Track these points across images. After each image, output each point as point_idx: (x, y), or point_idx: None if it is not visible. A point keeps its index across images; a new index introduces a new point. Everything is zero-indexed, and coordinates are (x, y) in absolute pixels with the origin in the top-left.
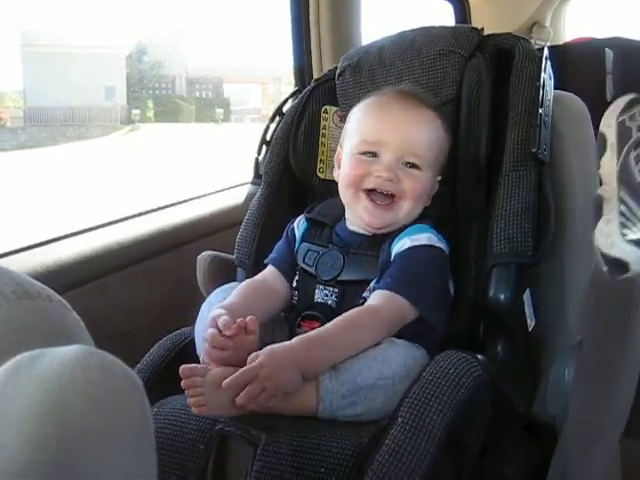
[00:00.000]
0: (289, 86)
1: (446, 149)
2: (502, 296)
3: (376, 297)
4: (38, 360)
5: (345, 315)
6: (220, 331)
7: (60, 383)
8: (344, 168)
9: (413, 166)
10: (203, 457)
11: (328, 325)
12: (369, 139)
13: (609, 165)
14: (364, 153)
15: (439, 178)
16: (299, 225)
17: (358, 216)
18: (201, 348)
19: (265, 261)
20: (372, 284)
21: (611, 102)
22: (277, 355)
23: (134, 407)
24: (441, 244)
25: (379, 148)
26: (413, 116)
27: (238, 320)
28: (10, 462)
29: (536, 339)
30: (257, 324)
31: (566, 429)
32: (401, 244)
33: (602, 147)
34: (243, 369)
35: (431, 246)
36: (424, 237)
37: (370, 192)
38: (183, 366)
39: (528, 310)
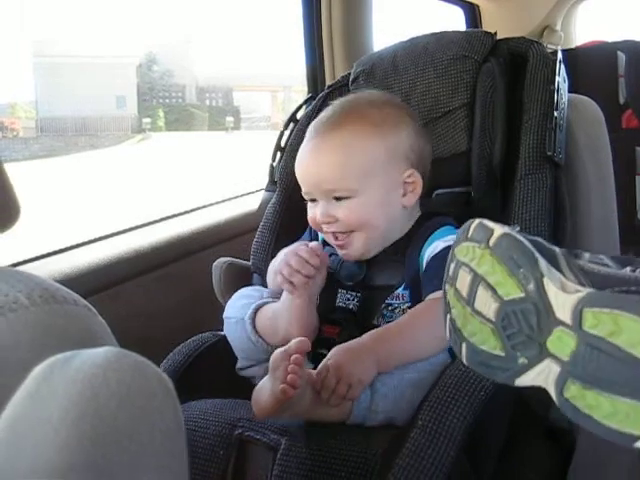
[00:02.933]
0: (299, 94)
1: (391, 147)
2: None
3: (432, 298)
4: (70, 362)
5: (413, 309)
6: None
7: (93, 385)
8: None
9: (342, 198)
10: (223, 462)
11: (398, 319)
12: (303, 190)
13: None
14: (309, 200)
15: (409, 173)
16: None
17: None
18: (236, 353)
19: None
20: (400, 290)
21: (625, 105)
22: (344, 347)
23: (166, 408)
24: None
25: (311, 195)
26: (317, 152)
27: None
28: (47, 464)
29: None
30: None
31: (584, 434)
32: (434, 247)
33: (527, 252)
34: (317, 370)
35: None
36: (454, 237)
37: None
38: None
39: None
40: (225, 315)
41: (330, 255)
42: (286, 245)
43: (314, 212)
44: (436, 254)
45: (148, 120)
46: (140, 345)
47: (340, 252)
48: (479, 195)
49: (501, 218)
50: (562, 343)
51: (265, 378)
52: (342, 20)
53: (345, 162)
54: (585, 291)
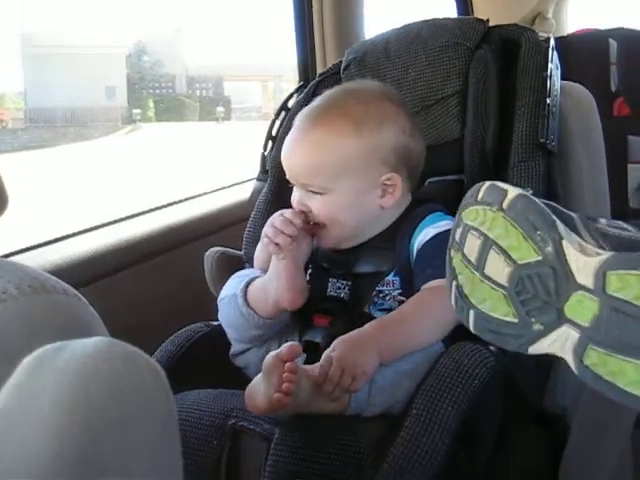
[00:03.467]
0: (290, 83)
1: (371, 148)
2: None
3: (429, 287)
4: (61, 352)
5: (411, 300)
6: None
7: (84, 374)
8: None
9: (315, 192)
10: (216, 452)
11: (398, 309)
12: (287, 173)
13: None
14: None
15: (388, 176)
16: None
17: None
18: (229, 335)
19: None
20: (390, 277)
21: (616, 93)
22: (347, 338)
23: (158, 396)
24: None
25: (291, 182)
26: (296, 144)
27: None
28: (37, 455)
29: None
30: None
31: (577, 420)
32: (424, 234)
33: (545, 213)
34: (319, 363)
35: None
36: (444, 223)
37: None
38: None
39: None
40: (219, 298)
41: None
42: None
43: (293, 197)
44: (427, 241)
45: (138, 111)
46: (132, 335)
47: (316, 241)
48: (472, 183)
49: None
50: (583, 308)
51: (259, 377)
52: (333, 7)
53: (318, 161)
54: (608, 254)
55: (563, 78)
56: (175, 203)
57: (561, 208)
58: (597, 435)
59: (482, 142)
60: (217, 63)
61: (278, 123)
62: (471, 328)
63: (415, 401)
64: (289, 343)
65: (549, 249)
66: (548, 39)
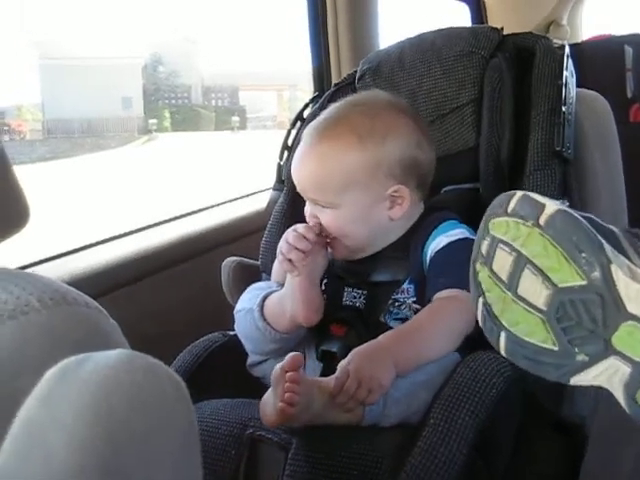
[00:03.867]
0: (305, 93)
1: (376, 161)
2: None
3: (441, 297)
4: (83, 364)
5: (424, 310)
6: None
7: (107, 386)
8: None
9: (325, 206)
10: (234, 462)
11: (411, 320)
12: (297, 187)
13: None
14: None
15: (395, 188)
16: None
17: None
18: (246, 347)
19: None
20: (405, 285)
21: (632, 99)
22: (363, 350)
23: (178, 407)
24: (474, 236)
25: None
26: (304, 158)
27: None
28: (61, 467)
29: None
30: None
31: (596, 430)
32: (437, 242)
33: (589, 233)
34: (335, 374)
35: (467, 238)
36: (458, 232)
37: None
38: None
39: None
40: (235, 310)
41: None
42: None
43: (306, 209)
44: (439, 249)
45: (154, 121)
46: (150, 345)
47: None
48: (487, 191)
49: None
50: (634, 340)
51: (270, 390)
52: (348, 17)
53: (324, 175)
54: None
55: (578, 85)
56: (193, 213)
57: (599, 221)
58: (616, 446)
59: (497, 150)
60: (232, 72)
61: (294, 133)
62: (502, 352)
63: (432, 411)
64: (292, 353)
65: (596, 274)
66: (563, 46)
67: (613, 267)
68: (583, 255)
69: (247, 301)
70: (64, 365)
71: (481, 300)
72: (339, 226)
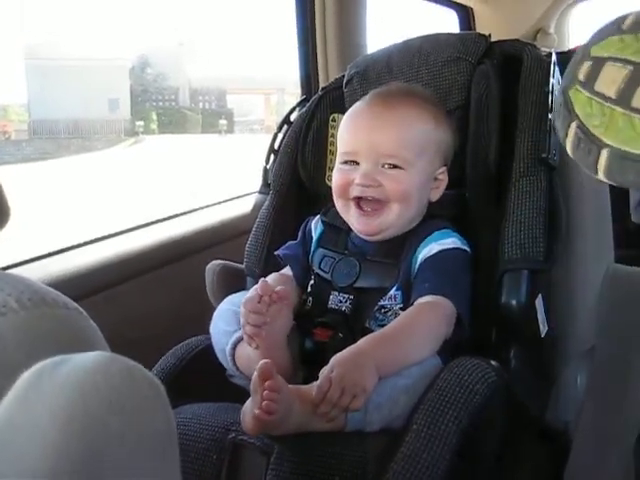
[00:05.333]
0: (292, 96)
1: (439, 139)
2: (514, 302)
3: (422, 302)
4: (60, 367)
5: (405, 313)
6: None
7: (83, 389)
8: (333, 178)
9: (394, 167)
10: (216, 467)
11: (391, 323)
12: (346, 149)
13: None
14: (345, 162)
15: (442, 170)
16: (316, 227)
17: (351, 224)
18: (220, 355)
19: (277, 252)
20: (392, 291)
21: None
22: (345, 356)
23: (157, 411)
24: (466, 247)
25: (356, 156)
26: (383, 117)
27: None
28: (35, 471)
29: (548, 345)
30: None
31: (579, 435)
32: (429, 249)
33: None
34: (317, 383)
35: (458, 249)
36: (450, 241)
37: (358, 200)
38: (265, 366)
39: (540, 316)
40: (211, 330)
41: (323, 257)
42: (279, 247)
43: (349, 176)
44: (429, 257)
45: (141, 123)
46: (133, 348)
47: (359, 225)
48: (474, 197)
49: (495, 220)
50: None
51: (250, 399)
52: (336, 22)
53: (407, 135)
54: None
55: None
56: (177, 216)
57: None
58: (599, 450)
59: (485, 156)
60: (220, 76)
61: (280, 136)
62: (602, 172)
63: (416, 416)
64: (261, 362)
65: None
66: (550, 54)
67: None
68: None
69: (220, 335)
70: (41, 367)
71: (574, 124)
72: (404, 188)
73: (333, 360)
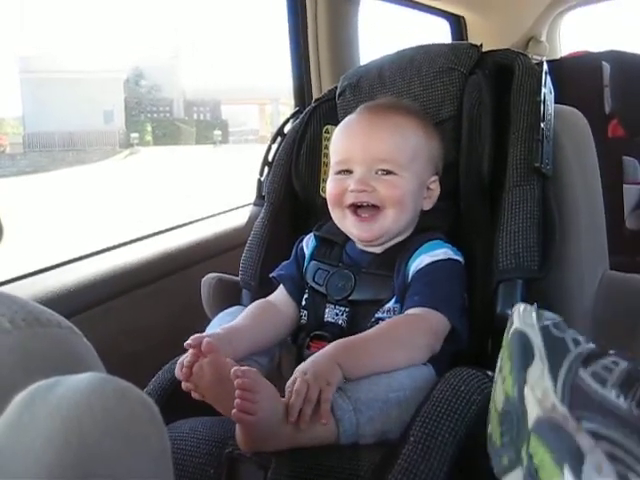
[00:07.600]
0: (287, 106)
1: (430, 147)
2: (510, 312)
3: (406, 313)
4: (53, 389)
5: (389, 321)
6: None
7: (77, 412)
8: (327, 188)
9: (387, 172)
10: None
11: (367, 331)
12: (340, 158)
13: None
14: (339, 172)
15: (433, 179)
16: (308, 243)
17: (349, 232)
18: None
19: (272, 275)
20: (391, 304)
21: (610, 115)
22: (304, 364)
23: (151, 431)
24: (458, 257)
25: (350, 165)
26: (375, 124)
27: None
28: None
29: None
30: (215, 349)
31: None
32: (419, 261)
33: (527, 354)
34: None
35: (450, 259)
36: (441, 252)
37: (354, 207)
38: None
39: None
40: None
41: (317, 270)
42: (274, 260)
43: (343, 184)
44: (420, 268)
45: (136, 135)
46: (129, 361)
47: (357, 232)
48: (467, 207)
49: (489, 230)
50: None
51: None
52: (328, 34)
53: (400, 140)
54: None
55: (557, 101)
56: (172, 229)
57: (576, 337)
58: None
59: (478, 166)
60: (214, 87)
61: (274, 148)
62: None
63: (412, 428)
64: (241, 368)
65: (515, 390)
66: (541, 63)
67: (526, 389)
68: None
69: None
70: (34, 389)
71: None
72: (398, 193)
73: (294, 373)
